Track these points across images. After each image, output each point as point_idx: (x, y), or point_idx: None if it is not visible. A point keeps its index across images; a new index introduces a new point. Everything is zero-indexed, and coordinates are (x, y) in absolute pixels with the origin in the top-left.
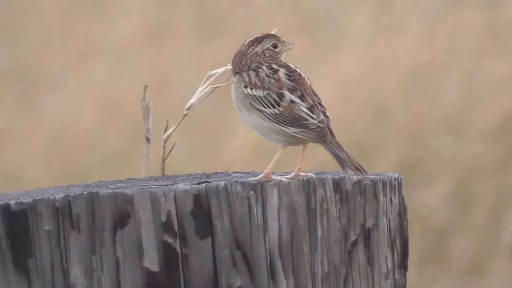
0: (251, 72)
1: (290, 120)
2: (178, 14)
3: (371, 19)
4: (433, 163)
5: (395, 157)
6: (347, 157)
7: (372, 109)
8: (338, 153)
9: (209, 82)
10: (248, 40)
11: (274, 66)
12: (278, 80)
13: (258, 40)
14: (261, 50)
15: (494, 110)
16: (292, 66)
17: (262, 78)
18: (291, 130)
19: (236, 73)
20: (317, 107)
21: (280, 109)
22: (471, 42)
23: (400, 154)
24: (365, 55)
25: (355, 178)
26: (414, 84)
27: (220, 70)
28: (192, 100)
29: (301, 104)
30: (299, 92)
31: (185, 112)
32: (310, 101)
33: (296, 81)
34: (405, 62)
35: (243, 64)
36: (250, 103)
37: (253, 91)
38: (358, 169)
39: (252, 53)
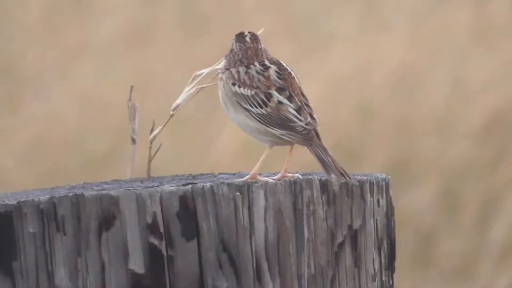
0: (241, 69)
1: (276, 121)
2: (163, 13)
3: (357, 19)
4: (420, 164)
5: (382, 157)
6: (332, 162)
7: (359, 110)
8: (323, 156)
9: (195, 82)
10: (248, 37)
11: (266, 62)
12: (268, 78)
13: (256, 37)
14: (263, 47)
15: (481, 110)
16: (284, 64)
17: (251, 76)
18: (277, 131)
19: (228, 67)
20: (305, 109)
21: (267, 109)
22: (458, 42)
23: (386, 154)
24: (351, 56)
25: (338, 182)
26: (401, 84)
27: (206, 70)
28: (178, 101)
29: (288, 105)
30: (287, 93)
31: (171, 112)
32: (298, 102)
33: (285, 80)
34: (391, 62)
35: (258, 58)
36: (237, 101)
37: (241, 89)
38: (342, 174)
39: (262, 49)
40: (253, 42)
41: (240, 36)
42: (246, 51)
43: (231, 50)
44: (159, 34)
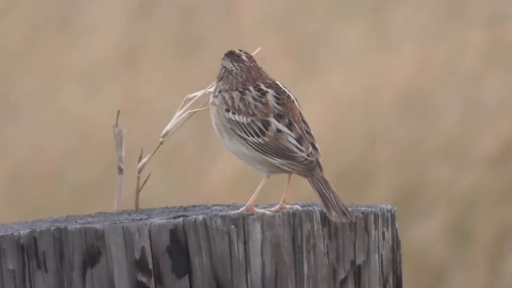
0: (235, 94)
1: (275, 151)
2: (153, 34)
3: (362, 37)
4: (430, 193)
5: (388, 187)
6: (334, 198)
7: (364, 135)
8: (324, 191)
9: (187, 106)
10: (244, 55)
11: (262, 86)
12: (266, 104)
13: (249, 55)
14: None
15: (495, 136)
16: (281, 86)
17: (247, 102)
18: (276, 161)
19: (219, 92)
20: (306, 138)
21: (265, 138)
22: (470, 62)
23: (393, 183)
24: (356, 77)
25: (338, 222)
26: (409, 108)
27: (199, 93)
28: (168, 127)
29: (288, 134)
30: (287, 120)
31: (161, 139)
32: (299, 130)
33: (284, 105)
34: (399, 84)
35: (263, 77)
36: (232, 128)
37: (236, 116)
38: (344, 213)
39: (261, 67)
40: (251, 61)
41: (235, 55)
42: (249, 71)
43: (230, 72)
44: (148, 55)
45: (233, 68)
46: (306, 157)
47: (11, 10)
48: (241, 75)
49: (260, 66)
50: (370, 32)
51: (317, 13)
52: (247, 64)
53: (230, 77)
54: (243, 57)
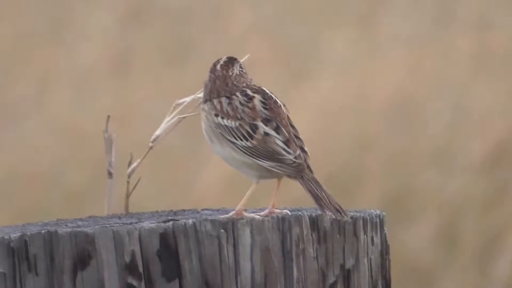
0: (223, 99)
1: (264, 154)
2: (143, 40)
3: (350, 44)
4: (418, 198)
5: (377, 192)
6: (326, 197)
7: (353, 141)
8: (317, 191)
9: (176, 111)
10: (220, 64)
11: (248, 92)
12: (253, 108)
13: (230, 62)
14: (238, 71)
15: (483, 141)
16: (268, 92)
17: (235, 107)
18: (266, 163)
19: (206, 100)
20: (294, 141)
21: (253, 142)
22: (458, 69)
23: (382, 189)
24: (345, 83)
25: (333, 219)
26: (398, 114)
27: (188, 99)
28: (158, 132)
29: (276, 137)
30: (274, 124)
31: (151, 144)
32: (286, 133)
33: (272, 109)
34: (387, 90)
35: (229, 87)
36: (221, 133)
37: (225, 120)
38: (338, 211)
39: (234, 75)
40: (223, 69)
41: (213, 65)
42: (215, 82)
43: (205, 82)
44: (138, 60)
45: (207, 79)
46: (294, 159)
47: (2, 16)
48: (208, 87)
49: (234, 73)
50: (359, 39)
51: (307, 20)
52: (216, 74)
53: (205, 87)
54: (217, 66)
